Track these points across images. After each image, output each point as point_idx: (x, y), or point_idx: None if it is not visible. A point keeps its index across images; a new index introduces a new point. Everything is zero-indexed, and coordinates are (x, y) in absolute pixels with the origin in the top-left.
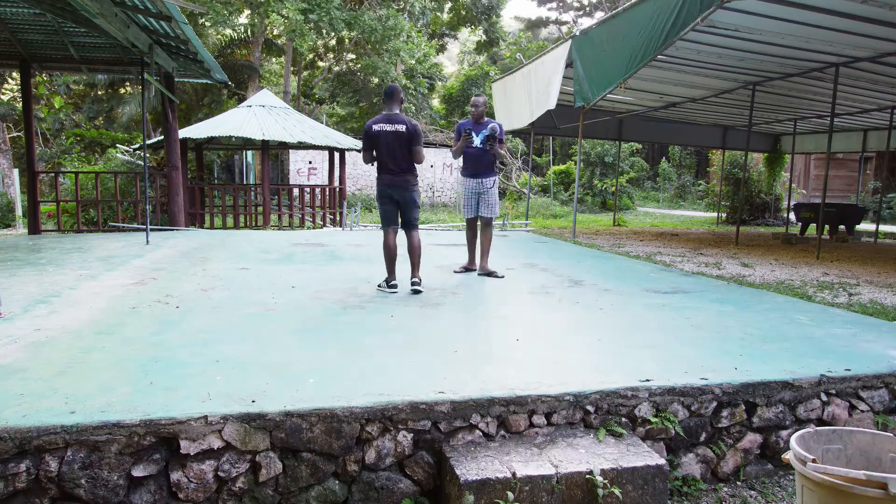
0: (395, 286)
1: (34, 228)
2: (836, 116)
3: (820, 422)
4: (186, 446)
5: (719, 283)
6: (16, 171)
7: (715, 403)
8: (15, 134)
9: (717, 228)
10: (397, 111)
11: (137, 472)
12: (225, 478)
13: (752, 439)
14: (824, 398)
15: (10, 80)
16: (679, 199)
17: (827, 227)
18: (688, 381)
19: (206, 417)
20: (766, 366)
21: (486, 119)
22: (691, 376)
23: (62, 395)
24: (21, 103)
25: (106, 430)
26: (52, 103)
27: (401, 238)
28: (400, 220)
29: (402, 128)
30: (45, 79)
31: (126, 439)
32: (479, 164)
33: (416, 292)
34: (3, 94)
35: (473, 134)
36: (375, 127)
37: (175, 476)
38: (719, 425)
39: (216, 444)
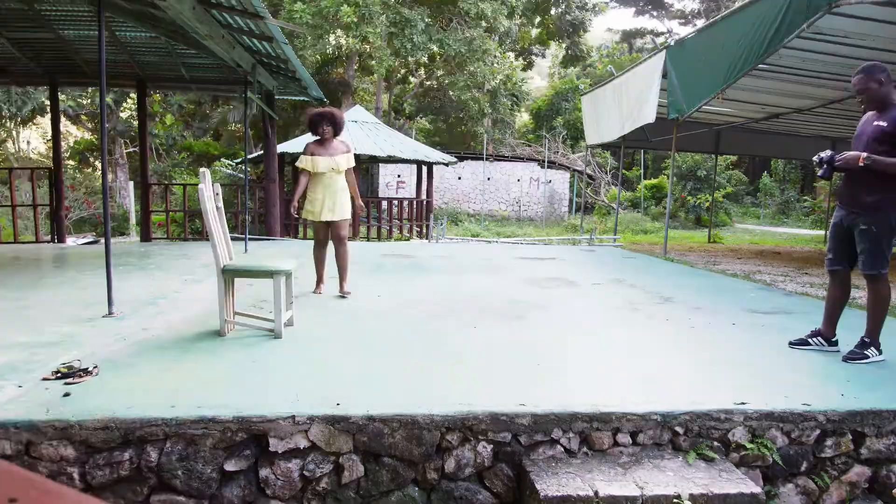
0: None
1: (146, 236)
2: None
3: None
4: (275, 444)
5: None
6: (131, 184)
7: (818, 431)
8: (131, 149)
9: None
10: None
11: (230, 466)
12: (310, 477)
13: (859, 472)
14: None
15: (128, 100)
16: (782, 215)
17: None
18: (788, 405)
19: (293, 417)
20: (876, 393)
21: None
22: (792, 401)
23: (164, 390)
24: (136, 121)
25: (202, 425)
26: (165, 121)
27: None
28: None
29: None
30: (159, 98)
31: (220, 434)
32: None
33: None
34: (122, 112)
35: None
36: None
37: (264, 472)
38: (822, 455)
39: (302, 443)
